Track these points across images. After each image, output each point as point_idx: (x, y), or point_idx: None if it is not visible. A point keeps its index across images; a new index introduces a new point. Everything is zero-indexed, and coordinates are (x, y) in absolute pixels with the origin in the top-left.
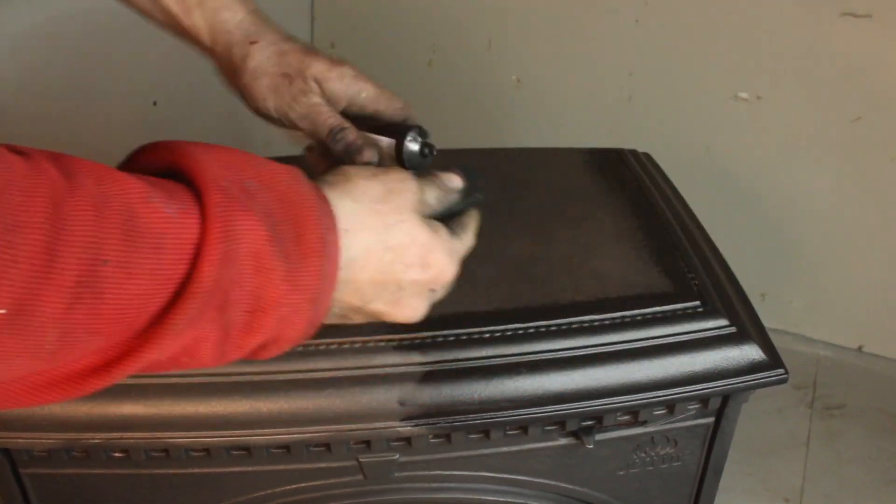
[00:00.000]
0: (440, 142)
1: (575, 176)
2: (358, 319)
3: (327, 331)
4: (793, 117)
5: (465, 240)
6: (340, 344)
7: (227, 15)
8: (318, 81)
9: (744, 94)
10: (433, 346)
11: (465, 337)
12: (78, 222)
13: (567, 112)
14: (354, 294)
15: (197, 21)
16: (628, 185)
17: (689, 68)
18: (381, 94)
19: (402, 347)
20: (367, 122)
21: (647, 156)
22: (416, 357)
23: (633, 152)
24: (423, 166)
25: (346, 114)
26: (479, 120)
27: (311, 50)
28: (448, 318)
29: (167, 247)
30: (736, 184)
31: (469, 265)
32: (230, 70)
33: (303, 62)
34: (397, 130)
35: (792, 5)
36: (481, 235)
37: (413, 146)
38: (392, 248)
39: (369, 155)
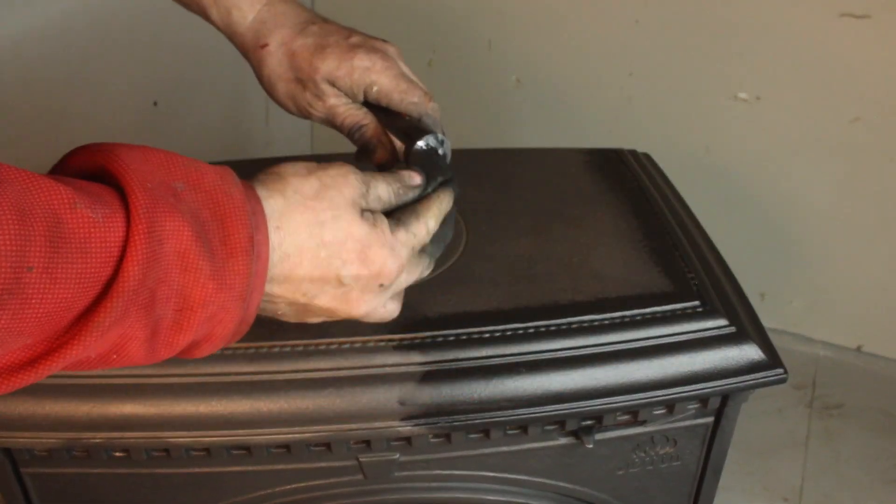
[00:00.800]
0: None
1: (575, 176)
2: (315, 319)
3: (327, 331)
4: (792, 117)
5: (416, 229)
6: (340, 344)
7: (237, 16)
8: (330, 82)
9: (743, 95)
10: (433, 346)
11: (465, 337)
12: (1, 230)
13: (567, 112)
14: (295, 291)
15: (216, 20)
16: (628, 185)
17: (689, 69)
18: (395, 87)
19: (402, 347)
20: (390, 114)
21: (647, 156)
22: (416, 357)
23: (633, 152)
24: (437, 168)
25: (370, 103)
26: (479, 120)
27: (321, 45)
28: (448, 318)
29: (93, 250)
30: (735, 184)
31: (469, 265)
32: (257, 74)
33: (311, 65)
34: (409, 133)
35: (791, 6)
36: (481, 235)
37: (422, 151)
38: (327, 245)
39: (381, 155)
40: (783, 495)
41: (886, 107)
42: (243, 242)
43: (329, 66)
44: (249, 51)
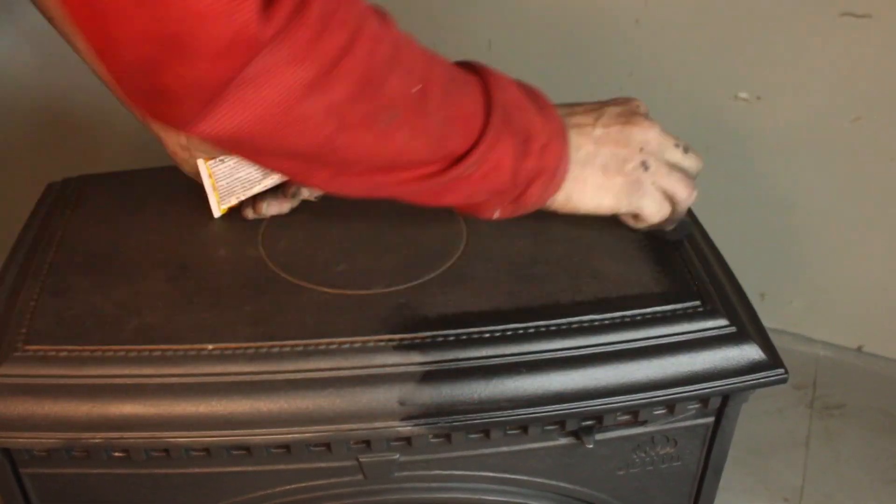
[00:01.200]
0: None
1: None
2: (631, 160)
3: (327, 330)
4: (793, 117)
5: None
6: (340, 344)
7: None
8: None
9: (744, 95)
10: (433, 346)
11: (465, 337)
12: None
13: None
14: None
15: None
16: None
17: (689, 68)
18: None
19: (402, 347)
20: None
21: None
22: (416, 357)
23: None
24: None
25: None
26: None
27: None
28: (448, 318)
29: (470, 83)
30: (736, 183)
31: (469, 265)
32: None
33: None
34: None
35: (792, 5)
36: (481, 235)
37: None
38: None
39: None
40: (784, 495)
41: (888, 106)
42: (550, 103)
43: None
44: None
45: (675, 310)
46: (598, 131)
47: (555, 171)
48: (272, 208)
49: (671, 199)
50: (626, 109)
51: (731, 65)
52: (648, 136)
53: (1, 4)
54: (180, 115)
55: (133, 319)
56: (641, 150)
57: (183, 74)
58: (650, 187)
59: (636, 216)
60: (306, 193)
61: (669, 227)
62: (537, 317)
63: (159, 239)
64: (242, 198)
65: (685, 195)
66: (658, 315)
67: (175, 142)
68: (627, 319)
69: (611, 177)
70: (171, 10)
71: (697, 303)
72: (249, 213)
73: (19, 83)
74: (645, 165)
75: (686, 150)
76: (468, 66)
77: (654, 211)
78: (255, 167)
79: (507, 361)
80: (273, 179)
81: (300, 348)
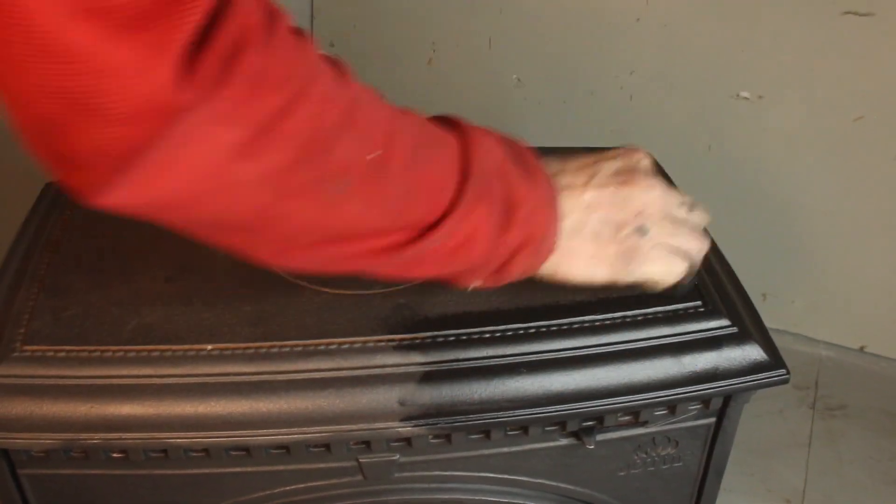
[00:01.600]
0: None
1: None
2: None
3: (327, 331)
4: (794, 116)
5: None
6: (340, 344)
7: None
8: None
9: (745, 93)
10: (433, 346)
11: (465, 337)
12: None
13: (568, 111)
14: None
15: None
16: None
17: (691, 67)
18: None
19: (402, 347)
20: None
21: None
22: (416, 357)
23: None
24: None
25: None
26: (479, 119)
27: None
28: (448, 318)
29: (446, 145)
30: (737, 183)
31: None
32: None
33: None
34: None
35: (793, 4)
36: None
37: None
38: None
39: None
40: (785, 496)
41: (890, 105)
42: (538, 164)
43: None
44: None
45: (676, 310)
46: (590, 195)
47: (541, 243)
48: None
49: (684, 255)
50: (624, 166)
51: (732, 63)
52: (648, 198)
53: None
54: (89, 182)
55: (132, 319)
56: (639, 213)
57: (91, 138)
58: (651, 252)
59: (647, 282)
60: None
61: (688, 282)
62: (537, 317)
63: (158, 239)
64: None
65: (697, 247)
66: (659, 315)
67: None
68: (628, 319)
69: (604, 246)
70: (75, 65)
71: (699, 303)
72: None
73: None
74: (642, 231)
75: (692, 207)
76: (449, 123)
77: (663, 273)
78: None
79: (507, 362)
80: None
81: (300, 348)
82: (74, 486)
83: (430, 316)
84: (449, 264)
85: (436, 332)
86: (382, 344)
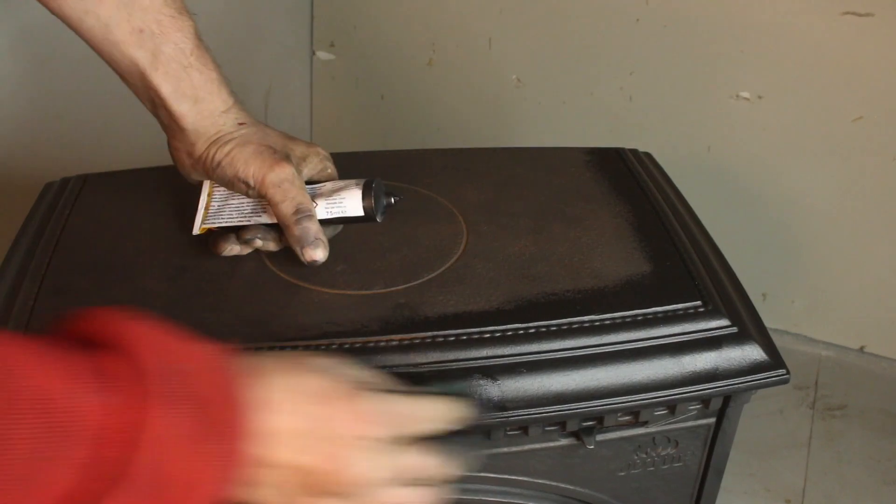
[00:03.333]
0: (441, 141)
1: (575, 175)
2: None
3: (327, 331)
4: (794, 117)
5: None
6: (340, 344)
7: (217, 103)
8: (299, 160)
9: (745, 94)
10: (433, 346)
11: (465, 337)
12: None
13: (567, 111)
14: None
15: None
16: (629, 184)
17: (691, 67)
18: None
19: (402, 347)
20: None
21: (648, 155)
22: (417, 357)
23: (634, 152)
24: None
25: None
26: (479, 119)
27: (290, 135)
28: (448, 318)
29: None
30: (737, 183)
31: (469, 265)
32: (202, 136)
33: (286, 145)
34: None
35: (793, 4)
36: (481, 235)
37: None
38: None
39: (320, 254)
40: (785, 496)
41: (889, 106)
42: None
43: (301, 148)
44: (225, 124)
45: (676, 310)
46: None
47: None
48: (233, 250)
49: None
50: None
51: (732, 64)
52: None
53: (0, 3)
54: None
55: None
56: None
57: None
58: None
59: None
60: (259, 243)
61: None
62: (537, 317)
63: (158, 239)
64: (223, 225)
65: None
66: (659, 315)
67: (184, 150)
68: (628, 319)
69: None
70: None
71: (699, 303)
72: (220, 248)
73: (18, 82)
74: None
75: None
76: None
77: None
78: (246, 200)
79: (507, 362)
80: (261, 219)
81: (300, 348)
82: None
83: (430, 316)
84: None
85: (436, 332)
86: (382, 344)
